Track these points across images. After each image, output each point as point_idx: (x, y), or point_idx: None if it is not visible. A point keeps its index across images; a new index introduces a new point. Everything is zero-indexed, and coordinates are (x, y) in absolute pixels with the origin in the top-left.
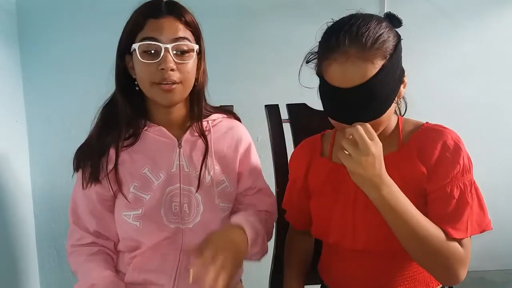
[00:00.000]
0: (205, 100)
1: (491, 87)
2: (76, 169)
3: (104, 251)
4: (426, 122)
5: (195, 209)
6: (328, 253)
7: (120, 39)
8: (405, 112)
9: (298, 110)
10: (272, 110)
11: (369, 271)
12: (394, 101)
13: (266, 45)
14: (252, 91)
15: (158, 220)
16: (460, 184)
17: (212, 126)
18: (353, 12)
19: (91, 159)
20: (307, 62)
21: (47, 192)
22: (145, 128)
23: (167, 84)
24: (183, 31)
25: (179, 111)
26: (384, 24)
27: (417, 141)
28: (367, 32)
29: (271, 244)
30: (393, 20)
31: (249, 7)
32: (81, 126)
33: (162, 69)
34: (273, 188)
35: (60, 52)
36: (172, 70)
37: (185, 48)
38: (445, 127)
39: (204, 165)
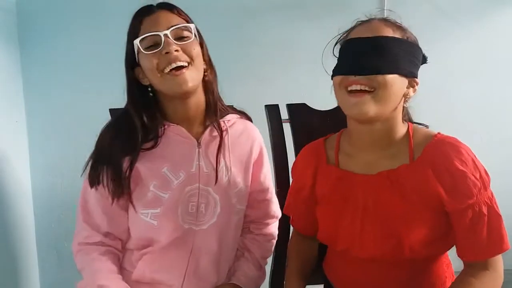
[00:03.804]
0: (219, 96)
1: (491, 87)
2: (92, 184)
3: (112, 251)
4: (438, 133)
5: (212, 209)
6: (334, 255)
7: (126, 51)
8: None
9: (298, 110)
10: (272, 110)
11: (376, 278)
12: (400, 77)
13: (266, 45)
14: (252, 91)
15: (175, 219)
16: (486, 200)
17: (229, 127)
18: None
19: (110, 165)
20: (337, 43)
21: (47, 192)
22: (164, 127)
23: (177, 68)
24: (177, 19)
25: (197, 107)
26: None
27: (430, 155)
28: (395, 20)
29: None
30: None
31: (249, 7)
32: (81, 126)
33: (167, 52)
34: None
35: (60, 52)
36: (176, 51)
37: (184, 33)
38: (458, 141)
39: (219, 160)
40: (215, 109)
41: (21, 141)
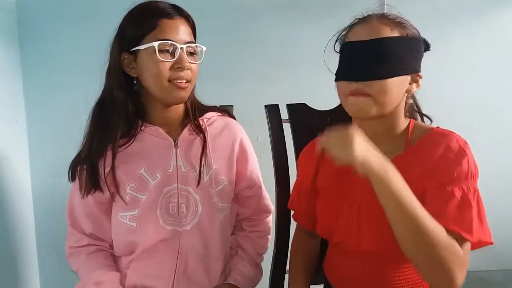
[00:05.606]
0: (196, 99)
1: (491, 87)
2: (72, 179)
3: (102, 249)
4: (437, 127)
5: (194, 209)
6: (333, 252)
7: (123, 35)
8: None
9: (298, 110)
10: (272, 110)
11: (373, 272)
12: (401, 77)
13: (266, 45)
14: (252, 91)
15: (154, 220)
16: (463, 186)
17: (208, 125)
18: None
19: (87, 167)
20: (337, 40)
21: (47, 192)
22: (141, 128)
23: (182, 82)
24: (191, 35)
25: (177, 110)
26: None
27: (421, 145)
28: (394, 14)
29: (271, 245)
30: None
31: (249, 7)
32: (81, 126)
33: (179, 67)
34: (273, 188)
35: (60, 52)
36: (187, 69)
37: (194, 51)
38: (453, 132)
39: (203, 159)
40: (193, 111)
41: (21, 141)
